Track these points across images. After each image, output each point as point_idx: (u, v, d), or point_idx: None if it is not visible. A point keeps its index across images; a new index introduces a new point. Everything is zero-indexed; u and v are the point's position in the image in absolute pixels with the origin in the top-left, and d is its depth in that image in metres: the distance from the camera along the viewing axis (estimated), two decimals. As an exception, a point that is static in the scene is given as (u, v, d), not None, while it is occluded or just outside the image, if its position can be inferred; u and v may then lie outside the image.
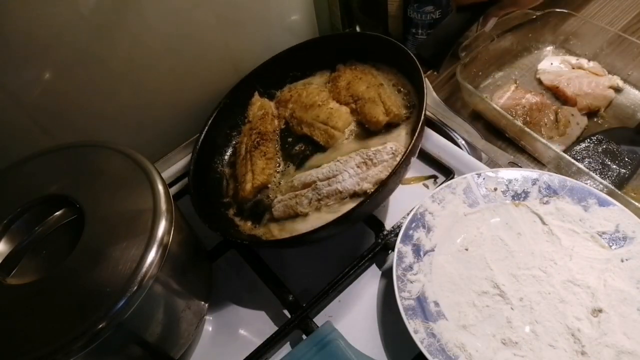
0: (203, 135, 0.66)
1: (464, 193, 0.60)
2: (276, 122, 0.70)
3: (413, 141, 0.53)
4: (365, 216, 0.60)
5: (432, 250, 0.57)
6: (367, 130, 0.65)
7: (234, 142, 0.71)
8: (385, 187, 0.52)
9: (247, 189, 0.62)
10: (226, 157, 0.70)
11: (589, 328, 0.49)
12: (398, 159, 0.56)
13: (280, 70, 0.75)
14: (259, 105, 0.72)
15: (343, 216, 0.51)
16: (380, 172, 0.56)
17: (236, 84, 0.71)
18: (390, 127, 0.63)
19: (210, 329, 0.58)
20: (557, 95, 0.78)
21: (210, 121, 0.68)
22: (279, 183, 0.64)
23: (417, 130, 0.54)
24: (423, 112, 0.56)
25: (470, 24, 0.63)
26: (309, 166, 0.65)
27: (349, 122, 0.66)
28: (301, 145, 0.68)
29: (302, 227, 0.57)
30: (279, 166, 0.66)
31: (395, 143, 0.59)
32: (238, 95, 0.72)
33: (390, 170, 0.55)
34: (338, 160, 0.60)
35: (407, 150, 0.53)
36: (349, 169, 0.57)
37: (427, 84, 0.59)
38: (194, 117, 0.66)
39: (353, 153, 0.60)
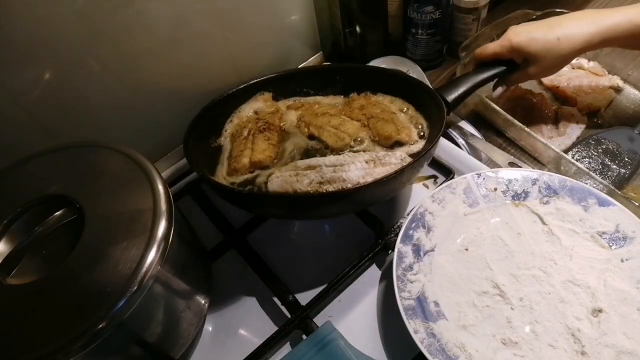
0: (209, 104, 0.66)
1: (464, 193, 0.60)
2: (283, 123, 0.70)
3: (431, 146, 0.55)
4: (367, 204, 0.59)
5: (432, 250, 0.57)
6: (375, 145, 0.65)
7: (235, 125, 0.70)
8: (402, 174, 0.53)
9: (242, 162, 0.61)
10: (222, 138, 0.69)
11: (589, 328, 0.49)
12: (404, 164, 0.57)
13: (295, 84, 0.74)
14: (270, 104, 0.72)
15: (350, 190, 0.53)
16: (386, 171, 0.56)
17: (250, 83, 0.71)
18: (397, 146, 0.63)
19: (210, 329, 0.58)
20: (557, 95, 0.78)
21: (218, 100, 0.67)
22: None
23: (439, 134, 0.56)
24: (442, 126, 0.58)
25: (490, 79, 0.67)
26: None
27: (359, 133, 0.66)
28: (304, 144, 0.67)
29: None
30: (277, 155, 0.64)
31: (404, 153, 0.59)
32: (250, 93, 0.72)
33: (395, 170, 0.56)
34: (346, 154, 0.60)
35: (423, 152, 0.56)
36: (357, 162, 0.57)
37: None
38: (193, 116, 0.66)
39: (362, 152, 0.60)
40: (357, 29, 0.82)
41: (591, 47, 0.61)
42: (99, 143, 0.50)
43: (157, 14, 0.59)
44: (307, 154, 0.64)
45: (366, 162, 0.57)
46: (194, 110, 0.66)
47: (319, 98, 0.75)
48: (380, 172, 0.56)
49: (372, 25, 0.82)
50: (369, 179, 0.55)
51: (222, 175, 0.62)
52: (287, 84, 0.74)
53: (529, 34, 0.63)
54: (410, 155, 0.60)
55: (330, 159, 0.58)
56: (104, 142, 0.50)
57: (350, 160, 0.57)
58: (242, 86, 0.70)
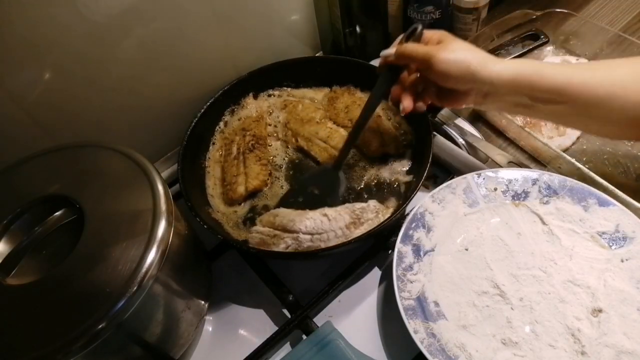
0: (191, 127, 0.65)
1: (464, 193, 0.60)
2: (269, 129, 0.71)
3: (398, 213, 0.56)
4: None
5: (432, 250, 0.57)
6: (361, 154, 0.67)
7: (222, 137, 0.71)
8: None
9: (239, 192, 0.62)
10: (212, 153, 0.69)
11: (589, 328, 0.49)
12: (380, 216, 0.57)
13: (278, 77, 0.75)
14: (253, 109, 0.72)
15: (354, 240, 0.53)
16: (365, 230, 0.56)
17: (232, 83, 0.70)
18: (384, 156, 0.67)
19: (210, 329, 0.58)
20: (557, 95, 0.78)
21: (200, 114, 0.67)
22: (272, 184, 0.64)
23: (417, 188, 0.56)
24: (424, 176, 0.57)
25: None
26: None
27: (338, 155, 0.66)
28: (294, 156, 0.69)
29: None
30: (270, 175, 0.66)
31: (376, 202, 0.60)
32: (232, 95, 0.72)
33: (373, 226, 0.55)
34: (326, 215, 0.57)
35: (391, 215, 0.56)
36: (337, 229, 0.56)
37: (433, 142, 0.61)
38: (193, 116, 0.66)
39: (342, 210, 0.57)
40: (357, 29, 0.81)
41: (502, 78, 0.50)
42: (99, 143, 0.50)
43: (156, 15, 0.59)
44: (297, 167, 0.67)
45: (347, 227, 0.56)
46: (194, 110, 0.66)
47: (303, 91, 0.75)
48: (358, 232, 0.56)
49: (372, 25, 0.82)
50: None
51: (218, 206, 0.63)
52: (270, 76, 0.74)
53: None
54: (396, 172, 0.65)
55: (307, 224, 0.56)
56: (104, 142, 0.50)
57: (329, 228, 0.56)
58: (220, 92, 0.70)
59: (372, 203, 0.59)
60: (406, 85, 0.57)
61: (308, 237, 0.56)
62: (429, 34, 0.54)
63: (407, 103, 0.55)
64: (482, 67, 0.50)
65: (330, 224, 0.56)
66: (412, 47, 0.52)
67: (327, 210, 0.57)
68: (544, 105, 0.51)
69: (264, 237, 0.57)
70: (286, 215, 0.58)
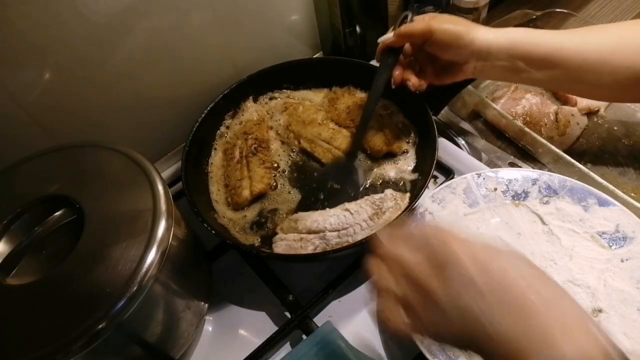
0: (193, 132, 0.65)
1: (464, 193, 0.60)
2: (271, 132, 0.71)
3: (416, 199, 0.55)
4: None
5: (432, 250, 0.56)
6: (366, 154, 0.68)
7: (224, 142, 0.70)
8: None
9: (243, 196, 0.62)
10: (214, 158, 0.69)
11: (589, 328, 0.48)
12: (400, 202, 0.57)
13: (277, 79, 0.75)
14: (253, 112, 0.72)
15: (358, 242, 0.52)
16: (388, 218, 0.56)
17: (232, 87, 0.70)
18: (389, 155, 0.67)
19: (210, 329, 0.58)
20: (557, 95, 0.78)
21: (201, 119, 0.66)
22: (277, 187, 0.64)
23: (425, 186, 0.56)
24: (431, 173, 0.57)
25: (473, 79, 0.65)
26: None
27: (350, 145, 0.67)
28: (297, 158, 0.69)
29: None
30: (275, 177, 0.66)
31: (392, 190, 0.60)
32: (232, 99, 0.71)
33: (396, 214, 0.56)
34: (347, 210, 0.57)
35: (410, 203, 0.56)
36: (361, 222, 0.55)
37: (438, 143, 0.61)
38: (193, 117, 0.66)
39: (362, 203, 0.58)
40: (357, 29, 0.81)
41: (496, 43, 0.54)
42: (99, 143, 0.50)
43: (156, 15, 0.59)
44: (301, 169, 0.67)
45: (370, 219, 0.56)
46: (194, 110, 0.66)
47: (302, 93, 0.75)
48: (383, 221, 0.56)
49: (372, 25, 0.82)
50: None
51: (224, 211, 0.63)
52: (270, 78, 0.74)
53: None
54: (401, 170, 0.65)
55: (331, 220, 0.56)
56: (104, 142, 0.50)
57: (353, 221, 0.55)
58: (220, 96, 0.69)
59: (389, 192, 0.59)
60: (405, 68, 0.60)
61: (335, 234, 0.55)
62: (419, 18, 0.57)
63: (414, 80, 0.59)
64: (476, 33, 0.54)
65: (353, 218, 0.56)
66: (410, 25, 0.55)
67: (348, 205, 0.57)
68: (538, 70, 0.54)
69: (290, 242, 0.56)
70: (308, 217, 0.57)
